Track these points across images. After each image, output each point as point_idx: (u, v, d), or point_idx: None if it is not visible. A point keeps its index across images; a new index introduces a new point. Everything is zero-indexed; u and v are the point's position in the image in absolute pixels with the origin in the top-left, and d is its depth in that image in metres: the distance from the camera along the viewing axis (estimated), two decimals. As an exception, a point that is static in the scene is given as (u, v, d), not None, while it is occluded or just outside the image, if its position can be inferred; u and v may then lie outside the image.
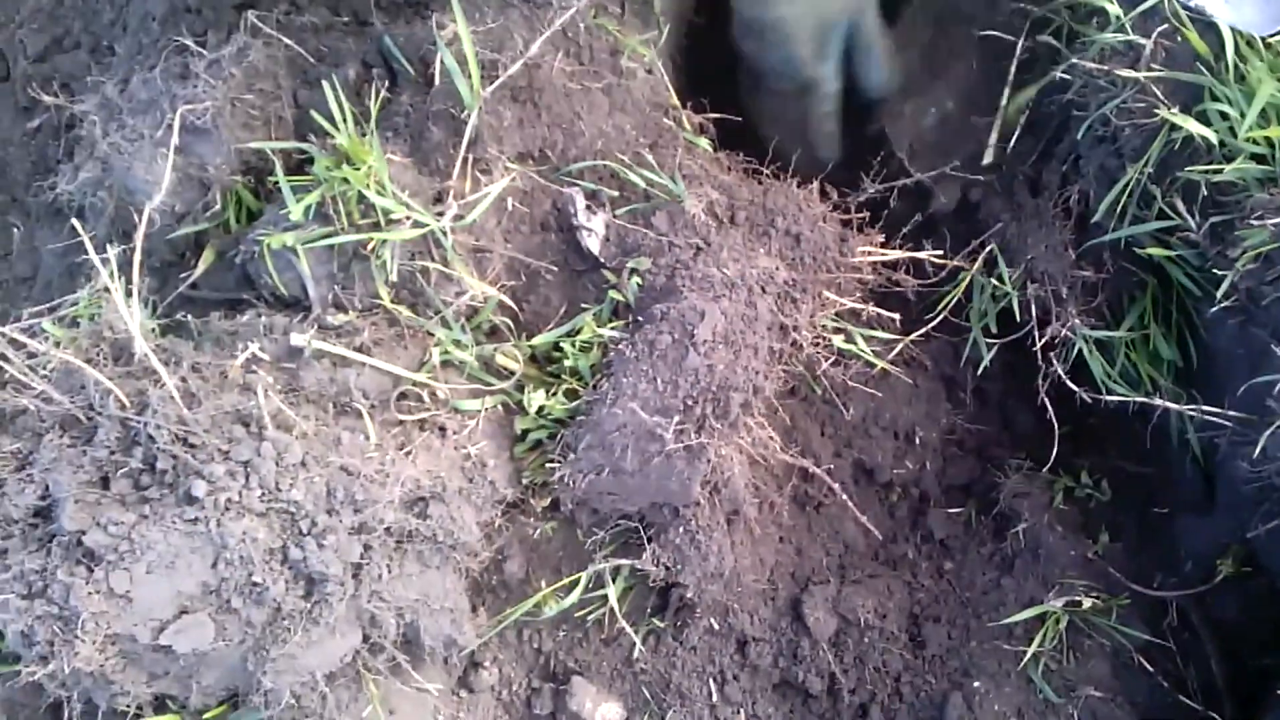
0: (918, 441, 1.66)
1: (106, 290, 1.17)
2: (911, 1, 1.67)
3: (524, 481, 1.36)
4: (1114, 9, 1.42)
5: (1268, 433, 1.29)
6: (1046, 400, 1.53)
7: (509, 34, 1.43)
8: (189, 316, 1.33)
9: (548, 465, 1.36)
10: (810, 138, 1.62)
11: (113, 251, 1.22)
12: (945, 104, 1.66)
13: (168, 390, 1.17)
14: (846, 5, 1.48)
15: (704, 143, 1.55)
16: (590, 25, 1.49)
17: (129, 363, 1.22)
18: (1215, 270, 1.38)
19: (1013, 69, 1.57)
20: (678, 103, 1.56)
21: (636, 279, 1.37)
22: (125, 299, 1.19)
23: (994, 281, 1.55)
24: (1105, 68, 1.42)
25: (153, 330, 1.27)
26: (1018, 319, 1.55)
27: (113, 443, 1.13)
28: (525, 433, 1.40)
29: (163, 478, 1.11)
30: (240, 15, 1.40)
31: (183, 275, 1.40)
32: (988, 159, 1.61)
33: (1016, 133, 1.59)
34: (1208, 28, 1.37)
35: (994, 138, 1.60)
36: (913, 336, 1.55)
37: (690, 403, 1.30)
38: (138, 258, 1.22)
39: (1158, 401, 1.45)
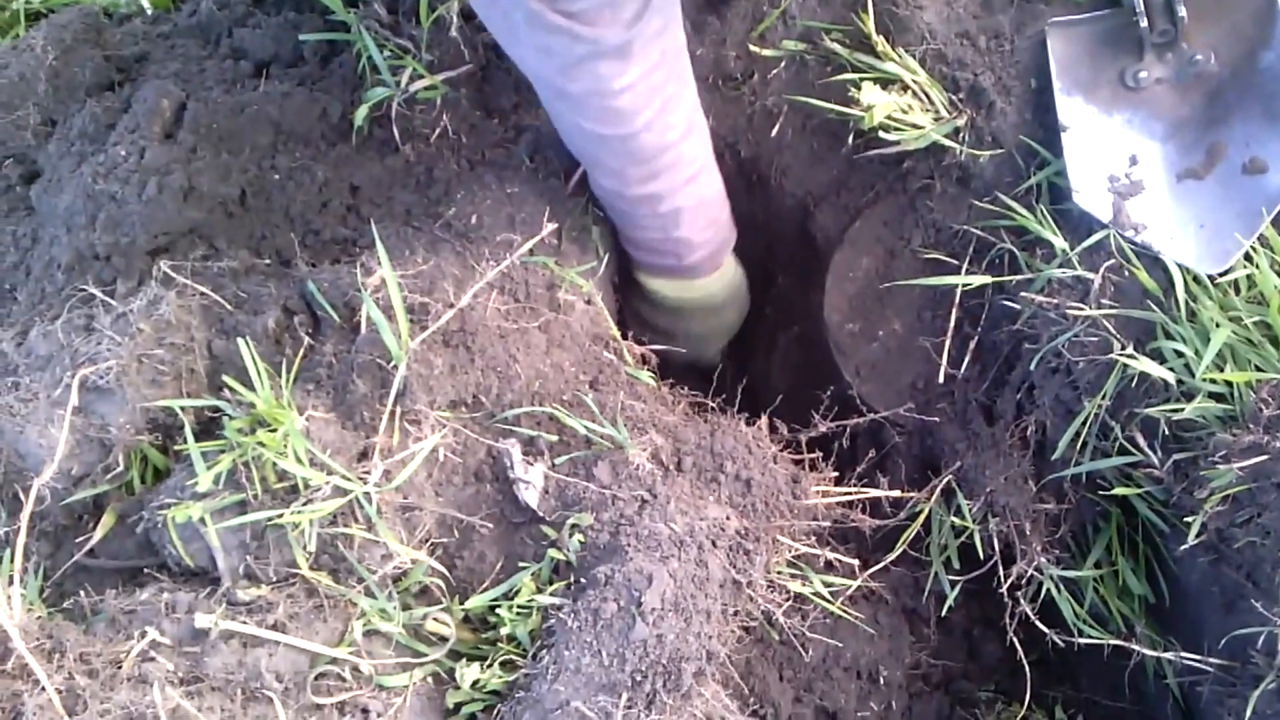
0: (882, 681, 1.56)
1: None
2: (855, 224, 1.65)
3: (457, 765, 1.23)
4: (1060, 243, 1.40)
5: (1257, 693, 1.21)
6: (1015, 638, 1.46)
7: (440, 274, 1.37)
8: (82, 593, 1.20)
9: (483, 745, 1.23)
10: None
11: (-5, 531, 1.10)
12: (892, 326, 1.62)
13: (47, 696, 1.03)
14: None
15: (646, 376, 1.49)
16: (526, 261, 1.43)
17: (4, 659, 1.08)
18: (1182, 507, 1.33)
19: (958, 294, 1.54)
20: (618, 334, 1.50)
21: (578, 536, 1.27)
22: (4, 588, 1.07)
23: (953, 518, 1.48)
24: (1054, 301, 1.39)
25: (37, 617, 1.14)
26: (980, 555, 1.48)
27: (-22, 766, 0.99)
28: (458, 706, 1.27)
29: (33, 811, 0.96)
30: (153, 262, 1.32)
31: (79, 540, 1.27)
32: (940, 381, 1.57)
33: (967, 359, 1.55)
34: (1155, 263, 1.36)
35: (944, 362, 1.56)
36: (870, 572, 1.47)
37: (639, 677, 1.19)
38: (21, 541, 1.10)
39: (1134, 646, 1.38)
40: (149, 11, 1.68)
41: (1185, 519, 1.30)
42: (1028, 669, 1.48)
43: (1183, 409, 1.28)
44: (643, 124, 1.32)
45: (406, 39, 1.52)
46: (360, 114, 1.48)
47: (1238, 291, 1.29)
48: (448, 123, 1.51)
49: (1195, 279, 1.32)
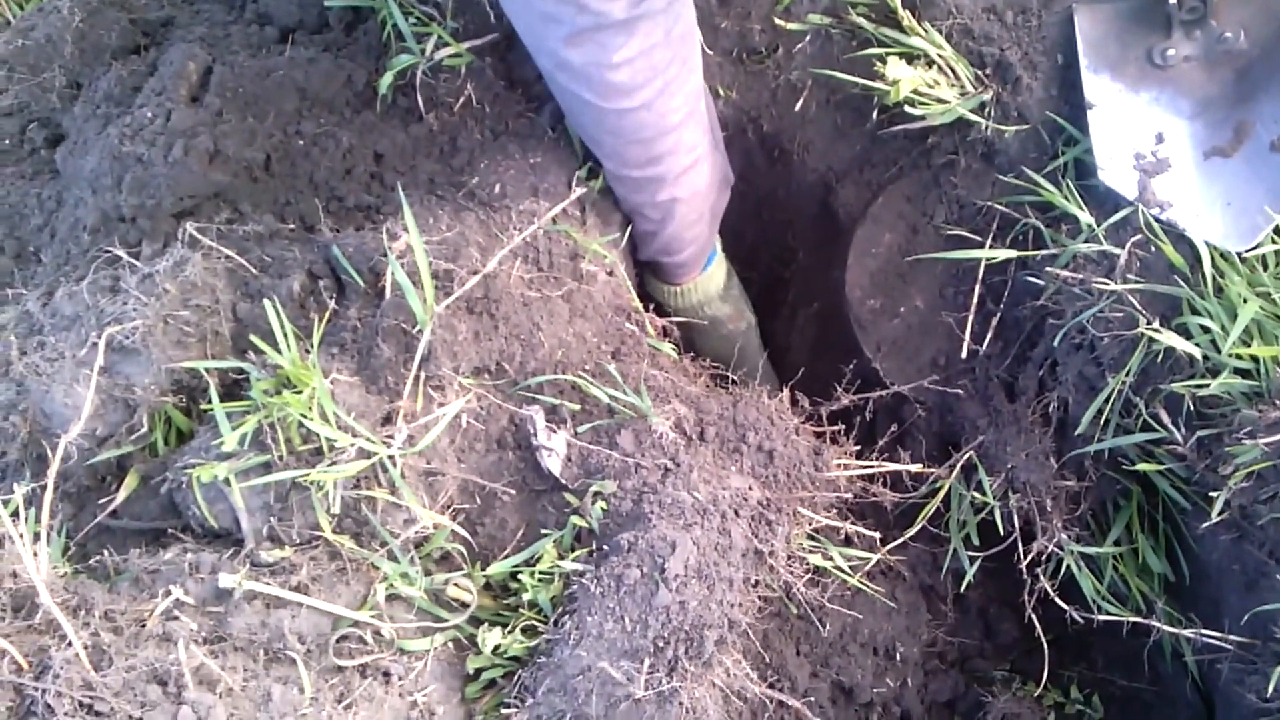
0: (898, 657, 1.56)
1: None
2: (878, 200, 1.64)
3: (477, 728, 1.23)
4: (1086, 218, 1.40)
5: (1279, 669, 1.21)
6: (1034, 616, 1.46)
7: (465, 242, 1.37)
8: (106, 553, 1.20)
9: (503, 710, 1.23)
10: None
11: (20, 489, 1.10)
12: (913, 302, 1.62)
13: (74, 650, 1.03)
14: None
15: (668, 348, 1.49)
16: (550, 230, 1.43)
17: (31, 614, 1.08)
18: (1204, 485, 1.33)
19: (980, 269, 1.54)
20: (640, 306, 1.50)
21: (601, 504, 1.27)
22: (31, 544, 1.07)
23: (974, 494, 1.48)
24: (1079, 276, 1.39)
25: (62, 575, 1.14)
26: (1000, 530, 1.48)
27: (3, 715, 0.99)
28: (479, 671, 1.27)
29: (61, 762, 0.97)
30: (178, 224, 1.32)
31: (102, 501, 1.27)
32: (961, 357, 1.56)
33: (989, 335, 1.54)
34: (1181, 239, 1.35)
35: (966, 338, 1.55)
36: (889, 548, 1.47)
37: (661, 643, 1.18)
38: (48, 498, 1.10)
39: (1153, 623, 1.37)
40: (173, -22, 1.68)
41: (1208, 496, 1.30)
42: (1045, 647, 1.49)
43: (1208, 384, 1.28)
44: (641, 101, 1.32)
45: (432, 6, 1.52)
46: (385, 81, 1.47)
47: (1265, 267, 1.29)
48: (472, 92, 1.50)
49: (1222, 254, 1.32)
